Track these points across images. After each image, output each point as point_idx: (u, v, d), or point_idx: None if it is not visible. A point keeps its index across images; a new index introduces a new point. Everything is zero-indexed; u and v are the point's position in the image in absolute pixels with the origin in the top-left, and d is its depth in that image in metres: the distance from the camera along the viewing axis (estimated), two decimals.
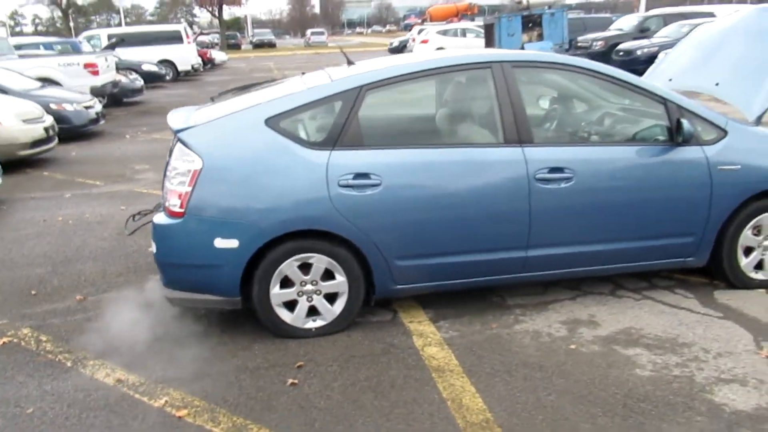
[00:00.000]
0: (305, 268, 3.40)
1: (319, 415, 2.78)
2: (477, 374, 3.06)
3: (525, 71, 3.62)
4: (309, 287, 3.43)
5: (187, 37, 22.93)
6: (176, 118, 3.54)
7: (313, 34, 55.36)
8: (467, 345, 3.34)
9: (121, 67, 19.48)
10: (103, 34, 22.33)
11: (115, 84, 14.11)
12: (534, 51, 4.02)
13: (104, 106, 11.78)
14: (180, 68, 22.82)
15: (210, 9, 51.09)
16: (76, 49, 17.62)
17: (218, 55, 30.60)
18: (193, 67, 23.23)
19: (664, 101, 3.64)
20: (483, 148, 3.49)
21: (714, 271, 3.94)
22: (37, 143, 8.48)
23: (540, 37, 17.22)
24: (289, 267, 3.37)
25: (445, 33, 25.80)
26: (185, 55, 22.87)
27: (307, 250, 3.36)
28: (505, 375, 3.05)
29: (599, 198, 3.55)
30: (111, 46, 16.19)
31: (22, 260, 4.93)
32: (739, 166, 3.64)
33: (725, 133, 3.69)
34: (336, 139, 3.36)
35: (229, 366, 3.23)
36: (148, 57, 21.49)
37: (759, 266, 3.87)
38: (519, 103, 3.49)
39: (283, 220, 3.28)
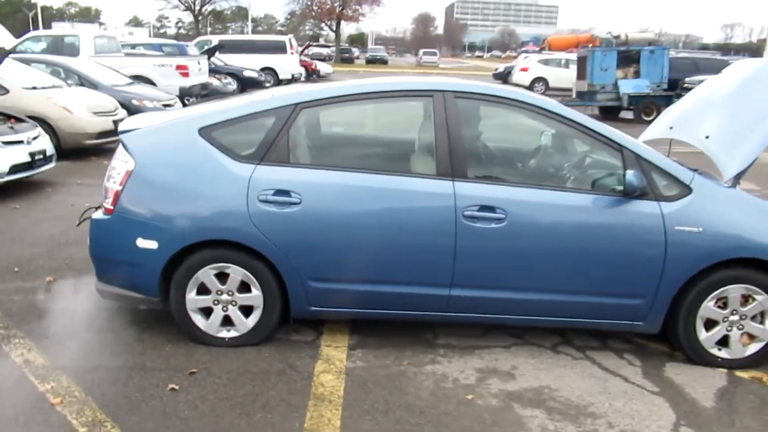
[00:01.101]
0: (223, 277, 3.43)
1: (174, 424, 2.79)
2: (353, 409, 2.95)
3: (468, 103, 3.48)
4: (225, 297, 3.45)
5: (291, 48, 23.88)
6: (131, 121, 3.70)
7: (425, 54, 55.94)
8: (365, 378, 3.23)
9: (223, 71, 20.67)
10: (214, 41, 23.68)
11: (204, 86, 14.92)
12: (489, 84, 3.83)
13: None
14: (281, 76, 23.79)
15: (328, 24, 53.11)
16: (182, 52, 18.83)
17: (324, 67, 31.60)
18: (293, 76, 24.13)
19: (620, 149, 3.36)
20: (412, 177, 3.37)
21: (672, 342, 3.57)
22: (103, 134, 9.14)
23: (636, 75, 16.41)
24: (206, 275, 3.41)
25: (546, 62, 25.21)
26: (286, 65, 23.83)
27: (224, 259, 3.39)
28: (380, 414, 2.91)
29: (534, 244, 3.32)
30: (209, 52, 17.15)
31: (29, 239, 5.31)
32: (701, 229, 3.28)
33: (689, 190, 3.34)
34: (264, 154, 3.38)
35: (130, 362, 3.31)
36: (253, 64, 22.62)
37: (724, 343, 3.46)
38: (456, 135, 3.35)
39: (201, 228, 3.34)
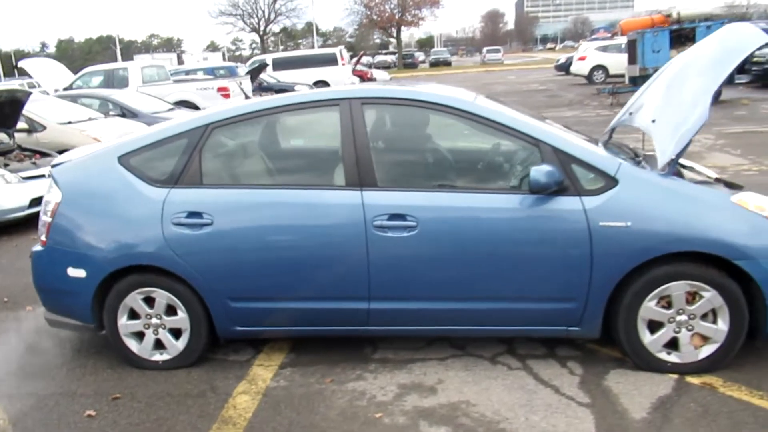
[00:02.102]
0: (151, 301, 3.48)
1: None
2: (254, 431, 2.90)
3: (376, 109, 3.36)
4: (154, 321, 3.50)
5: (342, 59, 24.16)
6: (65, 155, 3.83)
7: (488, 51, 55.05)
8: (282, 398, 3.17)
9: (274, 88, 21.20)
10: (269, 59, 24.35)
11: None
12: (399, 87, 3.66)
13: None
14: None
15: (389, 30, 53.37)
16: (232, 74, 19.47)
17: (380, 75, 31.74)
18: None
19: (536, 143, 3.15)
20: (321, 190, 3.29)
21: (619, 347, 3.29)
22: None
23: None
24: (134, 300, 3.47)
25: (605, 49, 24.15)
26: (339, 76, 24.11)
27: (149, 284, 3.44)
28: None
29: (450, 251, 3.16)
30: (252, 71, 17.61)
31: None
32: (629, 223, 3.01)
33: (615, 182, 3.07)
34: (177, 177, 3.41)
35: (63, 389, 3.41)
36: (306, 78, 23.10)
37: (674, 346, 3.16)
38: (363, 143, 3.25)
39: (122, 255, 3.40)
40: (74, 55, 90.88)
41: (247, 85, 15.80)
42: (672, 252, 3.01)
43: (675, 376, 3.13)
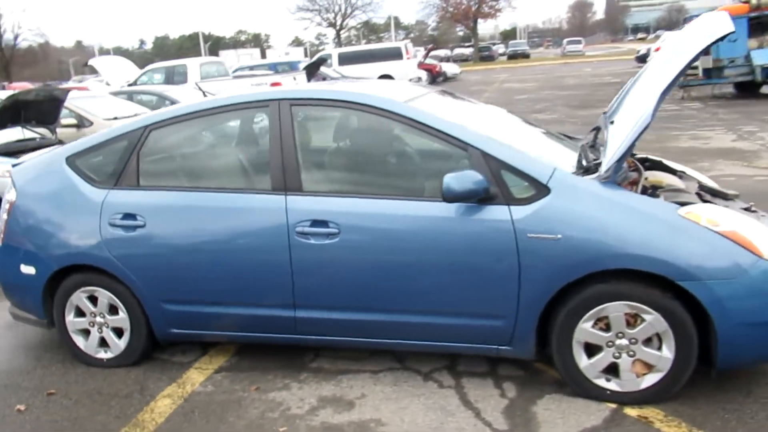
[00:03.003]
0: (96, 300, 3.52)
1: None
2: None
3: (305, 110, 3.24)
4: (99, 319, 3.54)
5: (407, 53, 24.00)
6: (27, 156, 3.94)
7: (569, 43, 53.15)
8: (200, 404, 3.12)
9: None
10: (334, 54, 24.54)
11: None
12: (329, 88, 3.49)
13: None
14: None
15: (465, 23, 52.55)
16: (293, 70, 19.74)
17: (450, 68, 31.35)
18: (411, 81, 24.23)
19: (465, 147, 2.93)
20: (248, 194, 3.21)
21: None
22: None
23: None
24: (79, 298, 3.53)
25: None
26: (403, 70, 24.00)
27: (91, 283, 3.48)
28: None
29: (371, 260, 3.00)
30: (309, 67, 17.74)
31: None
32: (560, 236, 2.75)
33: (547, 191, 2.81)
34: (117, 178, 3.43)
35: (8, 380, 3.51)
36: (370, 73, 23.14)
37: (614, 372, 2.86)
38: (290, 146, 3.14)
39: (66, 254, 3.46)
40: (168, 51, 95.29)
41: (302, 80, 15.94)
42: (608, 269, 2.72)
43: (614, 405, 2.84)
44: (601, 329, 2.82)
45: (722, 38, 2.83)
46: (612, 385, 2.86)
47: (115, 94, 11.78)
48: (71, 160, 3.54)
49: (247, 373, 3.40)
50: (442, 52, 52.85)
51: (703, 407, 2.78)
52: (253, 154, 3.34)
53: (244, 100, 3.35)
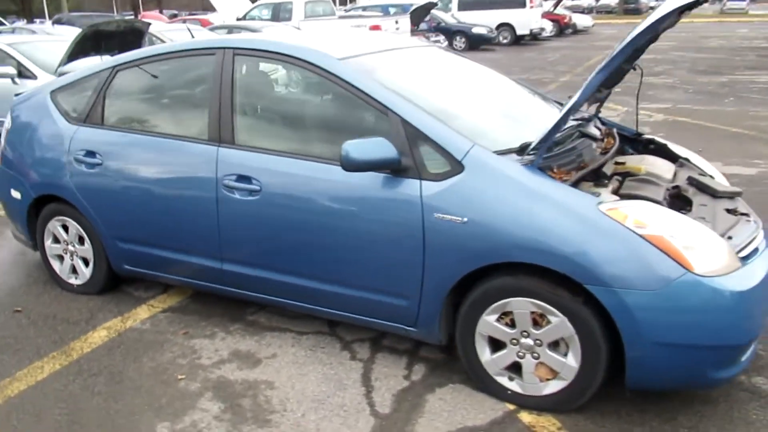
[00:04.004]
0: (68, 229, 3.73)
1: None
2: (75, 367, 3.03)
3: (247, 61, 3.13)
4: (70, 247, 3.77)
5: (531, 1, 22.70)
6: (27, 87, 4.17)
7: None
8: (128, 341, 3.25)
9: (452, 30, 20.76)
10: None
11: None
12: (276, 39, 3.28)
13: None
14: (518, 32, 22.94)
15: None
16: (405, 11, 19.34)
17: (582, 20, 29.28)
18: (531, 32, 23.03)
19: (386, 111, 2.72)
20: (187, 142, 3.20)
21: None
22: None
23: None
24: (54, 226, 3.76)
25: None
26: (525, 20, 22.81)
27: (63, 213, 3.69)
28: (90, 376, 2.94)
29: (288, 222, 2.92)
30: (418, 10, 17.28)
31: None
32: (466, 220, 2.51)
33: (461, 168, 2.56)
34: (86, 116, 3.56)
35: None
36: (488, 20, 22.26)
37: (518, 372, 2.62)
38: (227, 97, 3.08)
39: (41, 184, 3.68)
40: None
41: (405, 23, 15.64)
42: (514, 261, 2.46)
43: (512, 407, 2.61)
44: (506, 324, 2.57)
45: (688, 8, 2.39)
46: (514, 386, 2.63)
47: (213, 29, 12.20)
48: (54, 95, 3.72)
49: (188, 317, 3.48)
50: (586, 2, 49.43)
51: (608, 426, 2.49)
52: (197, 102, 3.31)
53: (195, 46, 3.31)
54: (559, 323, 2.44)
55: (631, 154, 3.47)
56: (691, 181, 3.04)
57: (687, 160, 3.39)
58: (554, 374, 2.53)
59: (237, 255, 3.12)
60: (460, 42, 20.75)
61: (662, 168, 3.11)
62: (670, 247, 2.28)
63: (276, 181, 2.91)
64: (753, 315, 2.38)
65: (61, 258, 3.83)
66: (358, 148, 2.55)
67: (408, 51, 3.49)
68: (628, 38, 2.39)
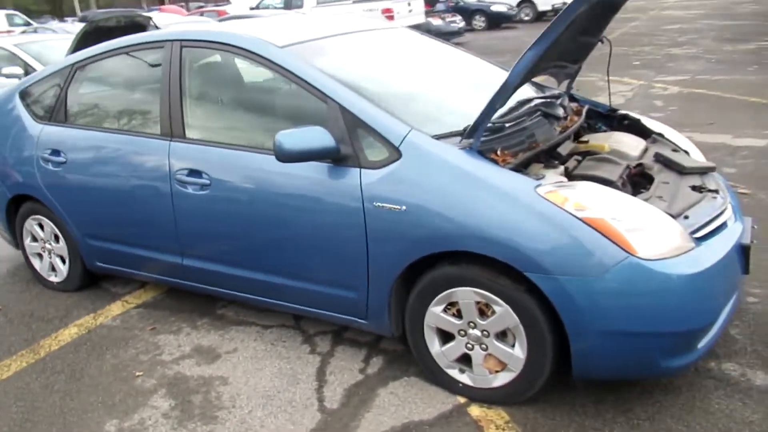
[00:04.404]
0: (44, 228, 3.77)
1: None
2: (41, 365, 3.07)
3: (195, 52, 3.08)
4: (47, 245, 3.81)
5: None
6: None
7: None
8: (95, 339, 3.27)
9: (471, 9, 20.38)
10: None
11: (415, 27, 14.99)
12: (224, 29, 3.21)
13: None
14: (540, 8, 22.41)
15: None
16: None
17: None
18: (553, 7, 22.45)
19: (325, 100, 2.64)
20: (142, 137, 3.18)
21: None
22: None
23: None
24: (31, 224, 3.81)
25: None
26: None
27: (38, 212, 3.73)
28: (55, 375, 2.97)
29: (237, 216, 2.88)
30: None
31: None
32: (404, 207, 2.43)
33: (398, 154, 2.47)
34: (51, 114, 3.57)
35: None
36: None
37: (469, 364, 2.54)
38: (176, 90, 3.05)
39: (15, 184, 3.73)
40: None
41: (419, 5, 15.40)
42: (452, 249, 2.37)
43: (463, 400, 2.54)
44: (453, 315, 2.49)
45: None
46: (465, 378, 2.55)
47: (222, 20, 12.21)
48: (22, 94, 3.75)
49: (159, 312, 3.49)
50: None
51: (558, 419, 2.39)
52: (149, 97, 3.28)
53: (145, 40, 3.27)
54: (503, 313, 2.35)
55: (605, 131, 3.33)
56: (659, 158, 2.89)
57: (661, 135, 3.23)
58: (503, 366, 2.45)
59: (195, 250, 3.10)
60: (479, 21, 20.39)
61: (630, 145, 2.97)
62: (611, 230, 2.16)
63: (224, 174, 2.87)
64: (707, 298, 2.25)
65: (40, 256, 3.88)
66: (291, 138, 2.48)
67: (368, 34, 3.39)
68: (562, 11, 2.26)
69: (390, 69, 3.19)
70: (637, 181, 2.71)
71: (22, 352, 3.20)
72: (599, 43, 3.22)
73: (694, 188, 2.65)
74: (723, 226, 2.46)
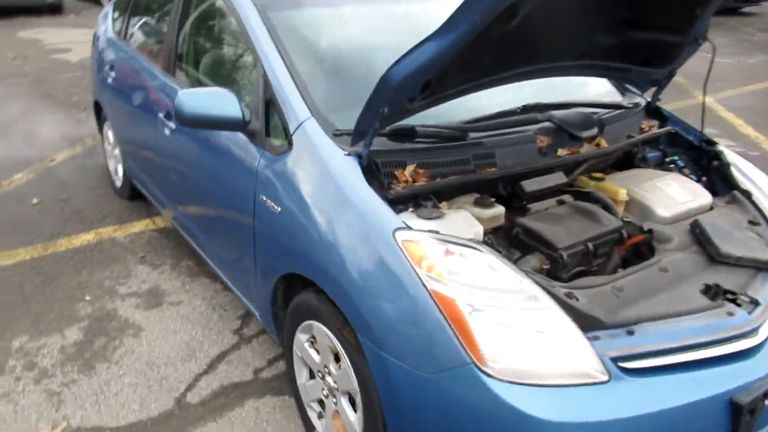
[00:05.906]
0: None
1: None
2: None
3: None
4: (109, 150, 4.06)
5: None
6: None
7: None
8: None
9: None
10: None
11: None
12: None
13: None
14: None
15: None
16: None
17: None
18: None
19: (256, 63, 2.24)
20: (155, 70, 3.09)
21: None
22: None
23: None
24: (106, 129, 4.08)
25: None
26: None
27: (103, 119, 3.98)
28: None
29: (185, 167, 2.75)
30: None
31: None
32: (279, 209, 2.01)
33: (290, 145, 2.02)
34: (120, 33, 3.70)
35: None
36: None
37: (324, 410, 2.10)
38: (175, 30, 2.97)
39: (93, 92, 3.98)
40: None
41: None
42: (299, 273, 1.93)
43: None
44: (316, 351, 2.05)
45: None
46: (320, 427, 2.11)
47: None
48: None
49: (164, 241, 3.53)
50: None
51: None
52: (170, 33, 3.12)
53: None
54: (347, 371, 1.85)
55: (675, 168, 2.40)
56: (694, 229, 1.97)
57: (748, 194, 2.22)
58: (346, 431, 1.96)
59: (171, 192, 3.02)
60: None
61: (671, 200, 2.10)
62: (459, 318, 1.51)
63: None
64: None
65: (113, 158, 4.15)
66: (192, 99, 2.13)
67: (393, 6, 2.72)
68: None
69: (384, 45, 2.55)
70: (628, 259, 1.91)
71: (38, 245, 3.47)
72: (696, 44, 2.24)
73: (706, 289, 1.75)
74: (727, 359, 1.60)
